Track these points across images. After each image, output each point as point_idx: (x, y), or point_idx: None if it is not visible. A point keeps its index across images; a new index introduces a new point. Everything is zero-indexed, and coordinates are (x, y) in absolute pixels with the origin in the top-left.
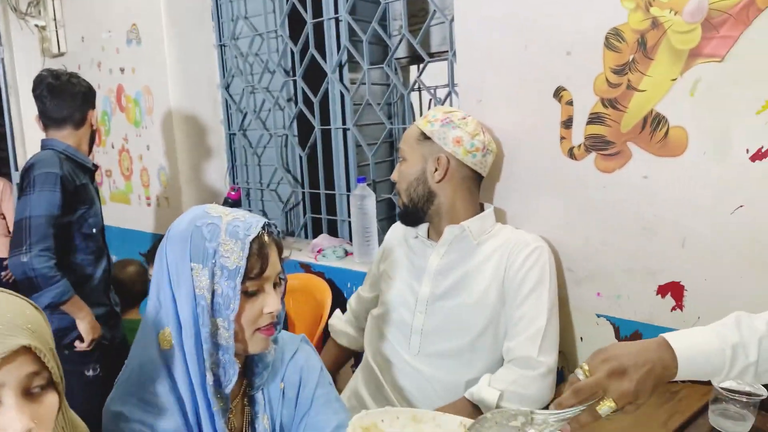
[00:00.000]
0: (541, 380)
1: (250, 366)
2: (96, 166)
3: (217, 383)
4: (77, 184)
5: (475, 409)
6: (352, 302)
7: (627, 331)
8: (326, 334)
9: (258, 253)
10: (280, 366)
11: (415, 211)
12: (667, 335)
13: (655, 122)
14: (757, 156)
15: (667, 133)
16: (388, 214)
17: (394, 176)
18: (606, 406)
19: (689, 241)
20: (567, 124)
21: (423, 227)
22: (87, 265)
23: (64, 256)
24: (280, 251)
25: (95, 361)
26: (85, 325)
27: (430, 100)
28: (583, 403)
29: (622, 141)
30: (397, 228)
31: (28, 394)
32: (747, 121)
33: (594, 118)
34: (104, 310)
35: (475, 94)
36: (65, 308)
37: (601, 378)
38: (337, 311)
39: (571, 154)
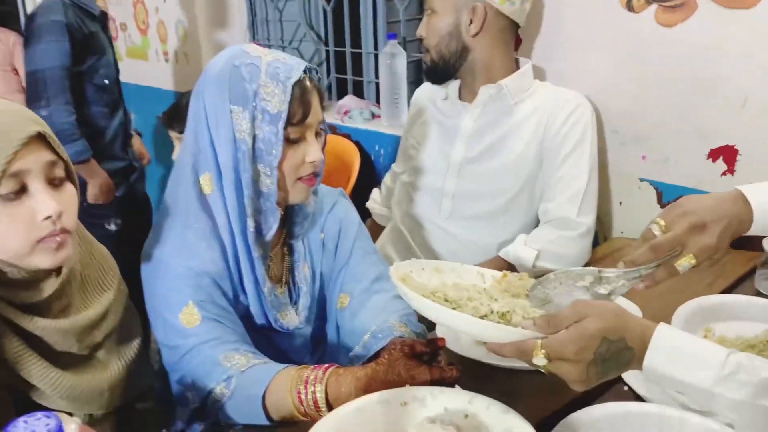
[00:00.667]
0: (579, 241)
1: (290, 215)
2: (105, 14)
3: (258, 230)
4: (85, 33)
5: (510, 268)
6: (387, 180)
7: (670, 196)
8: (354, 196)
9: (300, 97)
10: (319, 217)
11: (445, 68)
12: (741, 187)
13: None
14: None
15: None
16: (418, 76)
17: (420, 31)
18: (686, 262)
19: (750, 103)
20: None
21: (453, 86)
22: (101, 117)
23: (76, 108)
24: (321, 98)
25: (116, 215)
26: (96, 189)
27: None
28: (660, 260)
29: None
30: (424, 89)
31: (51, 183)
32: None
33: None
34: (122, 165)
35: None
36: (79, 169)
37: (681, 233)
38: (375, 191)
39: (629, 5)
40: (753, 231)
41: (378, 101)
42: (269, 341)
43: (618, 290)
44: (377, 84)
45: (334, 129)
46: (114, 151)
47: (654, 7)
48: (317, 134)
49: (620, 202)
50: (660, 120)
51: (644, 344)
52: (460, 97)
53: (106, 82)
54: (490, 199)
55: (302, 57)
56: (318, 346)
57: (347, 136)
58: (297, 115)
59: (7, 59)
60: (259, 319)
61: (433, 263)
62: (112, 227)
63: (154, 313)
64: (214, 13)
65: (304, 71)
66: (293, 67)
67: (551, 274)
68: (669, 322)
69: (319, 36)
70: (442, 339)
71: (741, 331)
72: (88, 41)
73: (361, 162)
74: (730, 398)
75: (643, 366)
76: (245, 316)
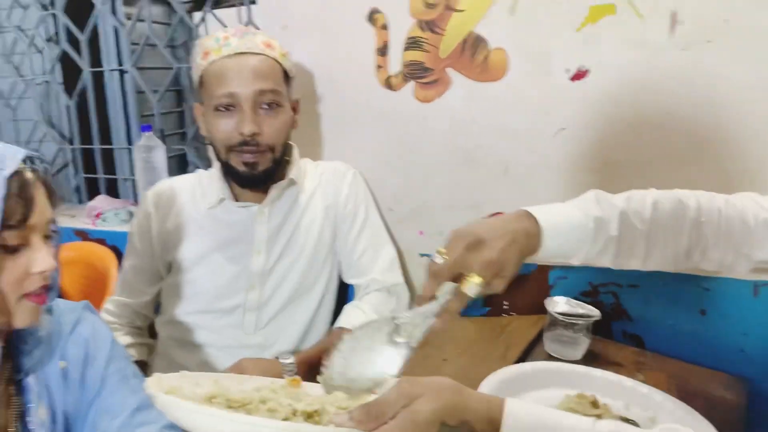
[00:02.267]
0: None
1: (15, 344)
2: None
3: None
4: None
5: None
6: (118, 310)
7: None
8: None
9: (19, 193)
10: (57, 341)
11: (276, 170)
12: (528, 208)
13: (474, 45)
14: (578, 76)
15: (487, 55)
16: (181, 171)
17: (263, 128)
18: (471, 283)
19: (511, 168)
20: (383, 50)
21: (222, 189)
22: None
23: None
24: (50, 193)
25: None
26: None
27: None
28: (442, 288)
29: (442, 67)
30: (167, 191)
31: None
32: (567, 39)
33: (411, 44)
34: None
35: (279, 20)
36: None
37: (459, 254)
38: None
39: (388, 83)
40: (543, 253)
41: (136, 200)
42: None
43: (415, 334)
44: (134, 181)
45: (85, 235)
46: None
47: (412, 84)
48: (47, 237)
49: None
50: (432, 195)
51: (493, 426)
52: (235, 198)
53: None
54: (295, 292)
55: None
56: None
57: (101, 242)
58: (16, 215)
59: None
60: None
61: (212, 376)
62: None
63: None
64: None
65: (24, 161)
66: (7, 155)
67: (345, 336)
68: None
69: (62, 134)
70: None
71: (543, 401)
72: None
73: (118, 268)
74: None
75: None
76: None
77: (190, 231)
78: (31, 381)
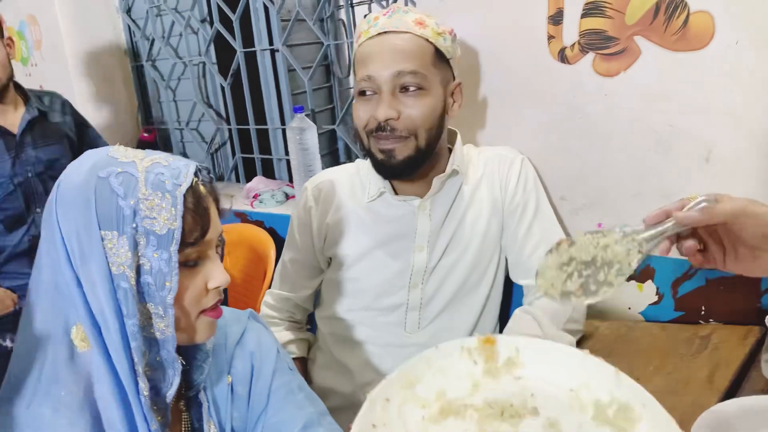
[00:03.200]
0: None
1: (185, 360)
2: None
3: (154, 391)
4: None
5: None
6: (279, 304)
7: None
8: None
9: (195, 208)
10: (223, 354)
11: (426, 158)
12: None
13: (671, 7)
14: None
15: (687, 20)
16: (332, 148)
17: (402, 113)
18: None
19: (715, 155)
20: (556, 19)
21: (380, 181)
22: None
23: None
24: (218, 204)
25: (11, 331)
26: None
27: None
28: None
29: (628, 35)
30: (331, 182)
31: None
32: None
33: (590, 9)
34: (26, 282)
35: None
36: None
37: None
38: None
39: (562, 56)
40: None
41: (291, 180)
42: None
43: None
44: (288, 161)
45: (244, 216)
46: (16, 267)
47: (591, 56)
48: (216, 247)
49: None
50: (614, 182)
51: None
52: (395, 191)
53: None
54: (459, 291)
55: (202, 138)
56: None
57: (260, 224)
58: (194, 232)
59: None
60: None
61: (399, 379)
62: (8, 343)
63: None
64: (99, 100)
65: (195, 173)
66: (180, 170)
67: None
68: None
69: (219, 114)
70: None
71: None
72: None
73: (277, 250)
74: None
75: None
76: None
77: (351, 226)
78: (200, 396)
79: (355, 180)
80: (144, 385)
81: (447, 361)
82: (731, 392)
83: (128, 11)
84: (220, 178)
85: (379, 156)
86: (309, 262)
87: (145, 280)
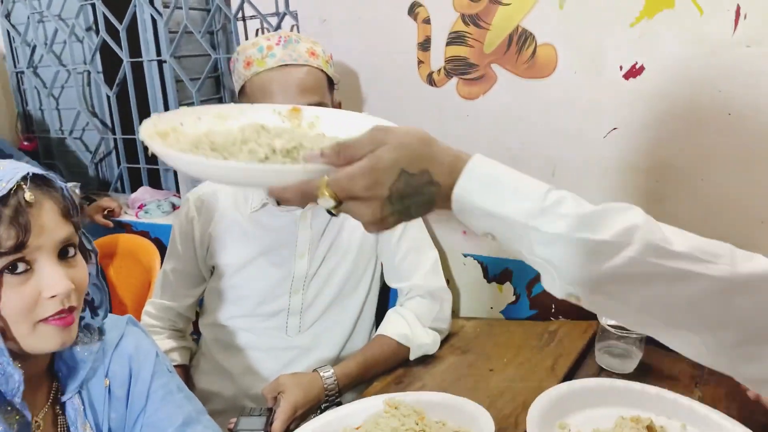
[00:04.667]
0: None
1: (60, 363)
2: None
3: (2, 396)
4: None
5: (399, 350)
6: (160, 313)
7: (496, 270)
8: None
9: (13, 217)
10: (101, 358)
11: None
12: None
13: (521, 40)
14: (632, 73)
15: (534, 51)
16: None
17: None
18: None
19: (559, 169)
20: (425, 45)
21: (263, 193)
22: None
23: None
24: (64, 209)
25: None
26: None
27: (258, 30)
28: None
29: (486, 63)
30: (210, 193)
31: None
32: (620, 35)
33: (454, 38)
34: None
35: (318, 12)
36: None
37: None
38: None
39: (430, 79)
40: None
41: (178, 190)
42: None
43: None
44: (175, 171)
45: (129, 227)
46: None
47: (455, 80)
48: (65, 258)
49: (447, 280)
50: None
51: (453, 179)
52: (277, 202)
53: None
54: (338, 295)
55: (86, 147)
56: None
57: (145, 234)
58: (8, 240)
59: None
60: None
61: (214, 109)
62: None
63: None
64: None
65: (24, 179)
66: (5, 177)
67: None
68: (522, 421)
69: (104, 123)
70: None
71: (596, 422)
72: None
73: (162, 261)
74: (545, 232)
75: (452, 196)
76: None
77: (234, 236)
78: (75, 401)
79: (239, 192)
80: None
81: (258, 114)
82: (569, 377)
83: (7, 16)
84: (106, 188)
85: None
86: (191, 272)
87: None
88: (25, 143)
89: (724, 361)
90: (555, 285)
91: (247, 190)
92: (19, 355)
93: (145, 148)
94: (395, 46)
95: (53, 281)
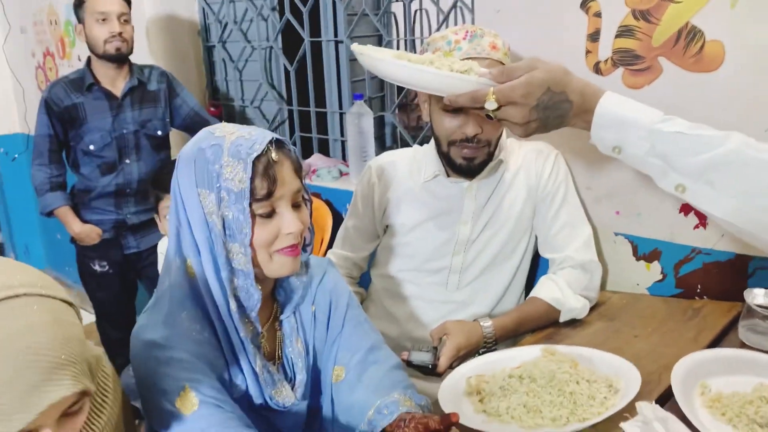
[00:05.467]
0: (599, 281)
1: (279, 290)
2: (93, 85)
3: (243, 309)
4: (63, 106)
5: (550, 311)
6: (340, 262)
7: (645, 249)
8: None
9: (264, 172)
10: (309, 289)
11: (492, 158)
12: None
13: (690, 36)
14: None
15: (702, 47)
16: (379, 132)
17: (476, 130)
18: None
19: None
20: (594, 37)
21: (436, 165)
22: (92, 178)
23: (74, 168)
24: (296, 168)
25: (100, 257)
26: (74, 234)
27: (417, 11)
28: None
29: (653, 56)
30: (393, 162)
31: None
32: None
33: (624, 31)
34: (109, 218)
35: (493, 3)
36: (57, 216)
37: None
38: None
39: (597, 68)
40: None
41: (345, 159)
42: (264, 420)
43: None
44: (343, 142)
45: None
46: (103, 205)
47: (621, 70)
48: (296, 205)
49: (597, 255)
50: (631, 176)
51: (583, 100)
52: (447, 174)
53: (91, 147)
54: (494, 259)
55: (264, 116)
56: (312, 422)
57: (317, 195)
58: (262, 190)
59: None
60: (255, 399)
61: (394, 52)
62: (97, 268)
63: (148, 401)
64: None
65: (270, 143)
66: (256, 141)
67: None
68: (665, 379)
69: (281, 95)
70: (455, 414)
71: (735, 386)
72: (67, 113)
73: (333, 221)
74: (667, 132)
75: (595, 109)
76: (241, 397)
77: (408, 201)
78: (290, 320)
79: (413, 163)
80: (233, 304)
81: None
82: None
83: None
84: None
85: (459, 161)
86: (368, 229)
87: (228, 226)
88: (212, 110)
89: None
90: (667, 179)
91: (421, 162)
92: (259, 279)
93: (317, 119)
94: (565, 36)
95: (290, 222)
